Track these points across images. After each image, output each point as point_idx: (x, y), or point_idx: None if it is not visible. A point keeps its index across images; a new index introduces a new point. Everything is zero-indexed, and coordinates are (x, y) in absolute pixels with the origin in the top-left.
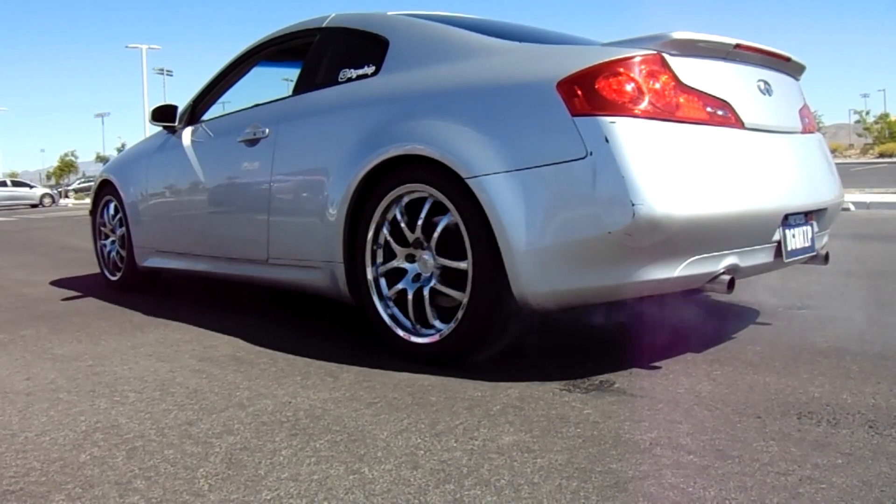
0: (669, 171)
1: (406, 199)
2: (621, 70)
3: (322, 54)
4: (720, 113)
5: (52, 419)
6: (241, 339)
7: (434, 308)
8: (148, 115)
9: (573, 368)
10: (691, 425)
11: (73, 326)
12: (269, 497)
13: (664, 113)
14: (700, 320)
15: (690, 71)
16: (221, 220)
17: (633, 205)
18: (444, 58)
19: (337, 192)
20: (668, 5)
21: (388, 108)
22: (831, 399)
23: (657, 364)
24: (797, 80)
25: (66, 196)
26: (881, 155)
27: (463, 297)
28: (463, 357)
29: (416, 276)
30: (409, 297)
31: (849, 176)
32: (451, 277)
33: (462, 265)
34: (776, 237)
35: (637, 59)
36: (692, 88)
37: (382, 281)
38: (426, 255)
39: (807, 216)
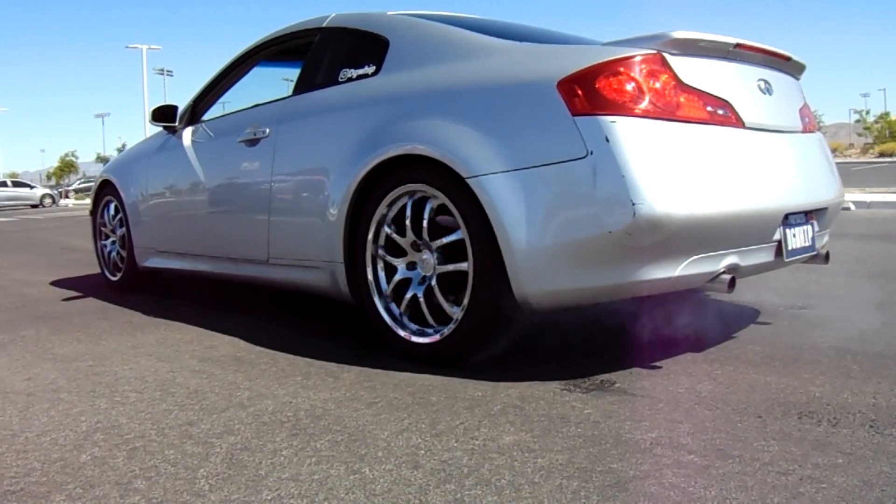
0: (670, 171)
1: (406, 200)
2: (622, 69)
3: (322, 54)
4: (720, 112)
5: (53, 419)
6: (241, 340)
7: (441, 304)
8: (148, 116)
9: (573, 368)
10: (692, 425)
11: (74, 327)
12: (269, 497)
13: (664, 112)
14: (700, 320)
15: (691, 70)
16: (222, 221)
17: (633, 204)
18: (445, 57)
19: (337, 191)
20: (668, 5)
21: (388, 108)
22: (832, 398)
23: (658, 364)
24: (797, 79)
25: (67, 196)
26: (881, 154)
27: (463, 298)
28: (463, 357)
29: (421, 279)
30: (408, 296)
31: (849, 175)
32: (452, 278)
33: (462, 266)
34: (777, 236)
35: (637, 59)
36: (692, 88)
37: (382, 281)
38: (426, 256)
39: (807, 215)
